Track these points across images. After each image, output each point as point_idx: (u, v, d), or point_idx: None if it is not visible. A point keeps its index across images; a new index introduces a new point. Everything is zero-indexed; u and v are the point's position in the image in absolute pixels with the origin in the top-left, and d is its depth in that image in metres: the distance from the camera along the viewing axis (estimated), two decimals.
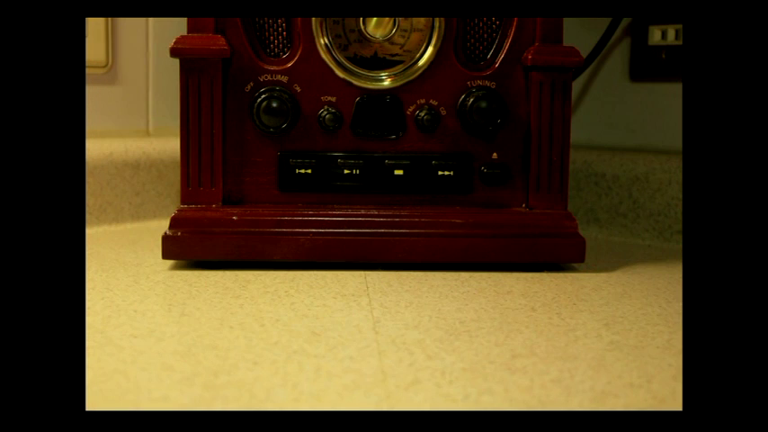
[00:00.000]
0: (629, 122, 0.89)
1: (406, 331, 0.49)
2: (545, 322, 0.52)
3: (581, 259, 0.67)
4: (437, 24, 0.66)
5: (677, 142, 0.85)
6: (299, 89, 0.67)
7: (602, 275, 0.66)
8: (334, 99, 0.67)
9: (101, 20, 0.85)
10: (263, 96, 0.66)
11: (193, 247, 0.65)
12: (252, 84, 0.66)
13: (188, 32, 0.66)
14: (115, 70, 0.88)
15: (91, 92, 0.86)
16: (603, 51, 0.88)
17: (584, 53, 0.76)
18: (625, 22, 0.87)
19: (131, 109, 0.90)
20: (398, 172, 0.68)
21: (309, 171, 0.67)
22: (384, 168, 0.67)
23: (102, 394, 0.38)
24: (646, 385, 0.41)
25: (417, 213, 0.67)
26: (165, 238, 0.65)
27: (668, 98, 0.86)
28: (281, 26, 0.67)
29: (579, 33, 0.85)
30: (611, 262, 0.72)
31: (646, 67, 0.87)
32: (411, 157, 0.68)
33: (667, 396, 0.40)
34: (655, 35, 0.85)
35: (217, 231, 0.65)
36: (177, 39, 0.65)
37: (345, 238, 0.66)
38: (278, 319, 0.51)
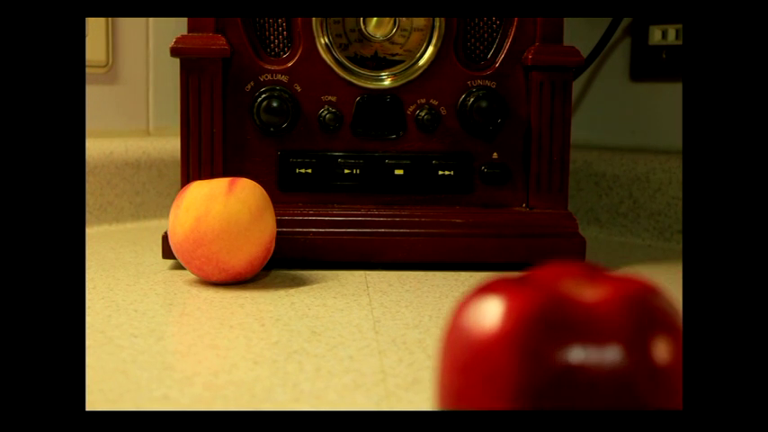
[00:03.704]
0: (629, 122, 0.89)
1: (406, 331, 0.49)
2: None
3: (581, 259, 0.67)
4: (437, 24, 0.66)
5: (677, 142, 0.85)
6: (299, 89, 0.67)
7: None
8: (334, 99, 0.67)
9: (101, 20, 0.85)
10: (264, 96, 0.66)
11: None
12: (252, 83, 0.66)
13: (188, 32, 0.66)
14: (115, 70, 0.88)
15: (91, 92, 0.86)
16: (604, 51, 0.88)
17: (585, 53, 0.76)
18: (625, 22, 0.87)
19: (131, 108, 0.90)
20: (399, 172, 0.68)
21: (309, 171, 0.67)
22: (384, 168, 0.67)
23: (102, 394, 0.38)
24: None
25: (417, 213, 0.67)
26: (165, 238, 0.65)
27: (668, 98, 0.86)
28: (282, 26, 0.67)
29: (582, 31, 0.85)
30: (611, 262, 0.72)
31: (646, 66, 0.87)
32: (411, 157, 0.68)
33: None
34: (655, 35, 0.85)
35: None
36: (177, 38, 0.65)
37: (345, 238, 0.66)
38: (278, 318, 0.51)
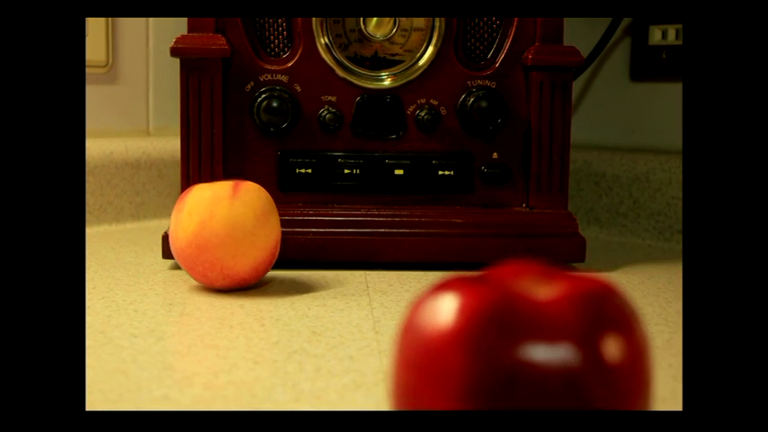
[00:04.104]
0: (629, 122, 0.89)
1: None
2: None
3: (581, 259, 0.67)
4: (437, 24, 0.66)
5: (677, 142, 0.85)
6: (299, 89, 0.67)
7: (603, 275, 0.66)
8: (334, 99, 0.67)
9: (101, 20, 0.85)
10: (264, 96, 0.66)
11: None
12: (252, 83, 0.66)
13: (188, 32, 0.66)
14: (115, 70, 0.88)
15: (91, 91, 0.86)
16: (604, 51, 0.88)
17: (585, 53, 0.76)
18: (625, 22, 0.87)
19: (131, 108, 0.90)
20: (399, 172, 0.68)
21: (309, 171, 0.67)
22: (384, 168, 0.67)
23: (102, 394, 0.38)
24: None
25: (417, 213, 0.67)
26: (166, 239, 0.65)
27: (668, 98, 0.86)
28: (282, 26, 0.67)
29: (582, 31, 0.85)
30: (611, 262, 0.72)
31: (646, 66, 0.87)
32: (411, 157, 0.68)
33: (667, 396, 0.40)
34: (655, 35, 0.85)
35: None
36: (177, 38, 0.65)
37: (345, 238, 0.66)
38: (278, 318, 0.51)
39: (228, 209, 0.55)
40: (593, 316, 0.26)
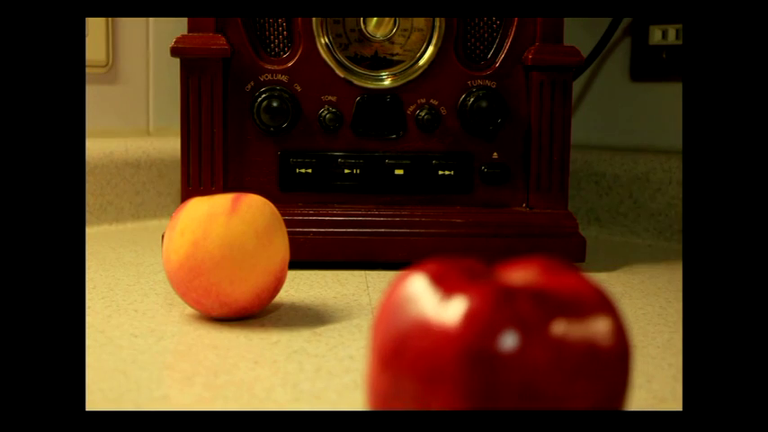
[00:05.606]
0: (629, 122, 0.89)
1: None
2: None
3: (581, 259, 0.67)
4: (437, 24, 0.66)
5: (677, 142, 0.85)
6: (299, 89, 0.67)
7: (603, 275, 0.66)
8: (334, 98, 0.67)
9: (101, 20, 0.85)
10: (264, 96, 0.66)
11: None
12: (252, 83, 0.66)
13: (188, 32, 0.66)
14: (115, 70, 0.88)
15: (91, 91, 0.86)
16: (604, 51, 0.88)
17: (585, 53, 0.76)
18: (625, 22, 0.87)
19: (132, 108, 0.90)
20: (399, 171, 0.68)
21: (310, 171, 0.67)
22: (384, 168, 0.67)
23: (102, 394, 0.38)
24: (646, 385, 0.41)
25: (417, 213, 0.67)
26: None
27: (668, 98, 0.86)
28: (282, 26, 0.67)
29: (582, 31, 0.85)
30: (611, 262, 0.72)
31: (646, 66, 0.87)
32: (411, 157, 0.68)
33: (667, 396, 0.40)
34: (655, 35, 0.85)
35: None
36: (178, 38, 0.65)
37: (345, 238, 0.66)
38: (278, 318, 0.51)
39: (225, 227, 0.48)
40: (498, 310, 0.27)
